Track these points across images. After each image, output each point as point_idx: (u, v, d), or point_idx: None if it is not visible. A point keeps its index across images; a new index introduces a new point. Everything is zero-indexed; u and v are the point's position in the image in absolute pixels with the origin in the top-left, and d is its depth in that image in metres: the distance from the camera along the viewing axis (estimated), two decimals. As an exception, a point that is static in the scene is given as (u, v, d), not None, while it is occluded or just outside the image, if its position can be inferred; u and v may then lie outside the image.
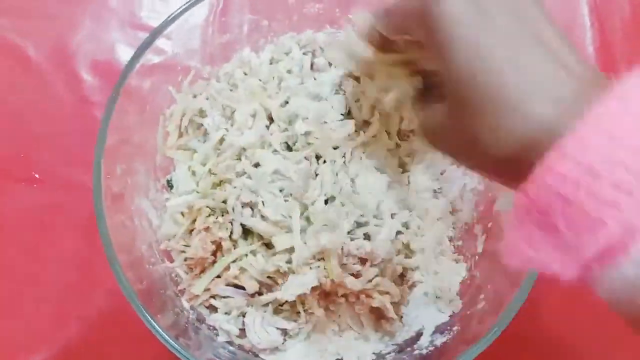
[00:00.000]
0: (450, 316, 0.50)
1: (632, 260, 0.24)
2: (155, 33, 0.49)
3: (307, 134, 0.49)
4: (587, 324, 0.54)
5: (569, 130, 0.25)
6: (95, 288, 0.55)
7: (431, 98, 0.36)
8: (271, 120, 0.51)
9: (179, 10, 0.50)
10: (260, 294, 0.49)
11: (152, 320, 0.40)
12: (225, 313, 0.49)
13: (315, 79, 0.52)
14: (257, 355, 0.49)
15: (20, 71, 0.63)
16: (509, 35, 0.29)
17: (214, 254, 0.48)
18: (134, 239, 0.46)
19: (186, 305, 0.49)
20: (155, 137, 0.52)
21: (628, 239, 0.24)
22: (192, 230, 0.50)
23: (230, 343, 0.49)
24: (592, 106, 0.25)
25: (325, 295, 0.49)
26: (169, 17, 0.50)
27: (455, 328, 0.48)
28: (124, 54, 0.64)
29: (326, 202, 0.48)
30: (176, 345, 0.40)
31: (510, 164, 0.28)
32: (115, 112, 0.45)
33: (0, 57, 0.64)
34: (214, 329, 0.49)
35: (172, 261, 0.50)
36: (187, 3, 0.50)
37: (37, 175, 0.59)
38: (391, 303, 0.49)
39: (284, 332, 0.50)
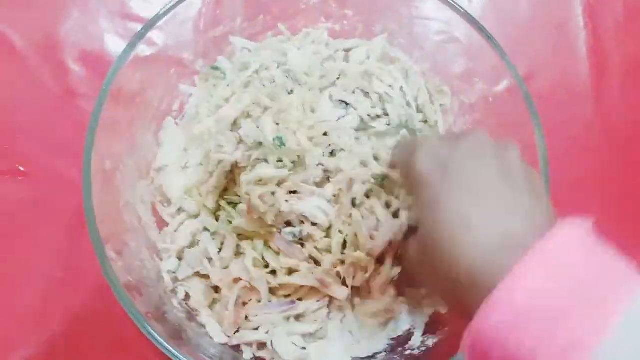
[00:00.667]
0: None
1: None
2: (149, 25, 0.49)
3: None
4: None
5: (502, 278, 0.29)
6: (80, 284, 0.53)
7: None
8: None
9: (172, 2, 0.50)
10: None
11: (139, 316, 0.39)
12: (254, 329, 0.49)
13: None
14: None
15: (6, 61, 0.62)
16: (465, 189, 0.35)
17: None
18: (123, 234, 0.46)
19: (175, 302, 0.48)
20: (145, 131, 0.50)
21: None
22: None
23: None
24: (523, 257, 0.29)
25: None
26: (162, 9, 0.50)
27: (446, 329, 0.48)
28: (113, 44, 0.63)
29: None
30: (164, 343, 0.40)
31: (459, 299, 0.33)
32: (105, 105, 0.44)
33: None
34: (204, 327, 0.48)
35: (160, 258, 0.49)
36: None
37: (21, 168, 0.58)
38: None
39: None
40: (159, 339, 0.40)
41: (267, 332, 0.48)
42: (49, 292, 0.54)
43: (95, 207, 0.41)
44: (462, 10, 0.48)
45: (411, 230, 0.43)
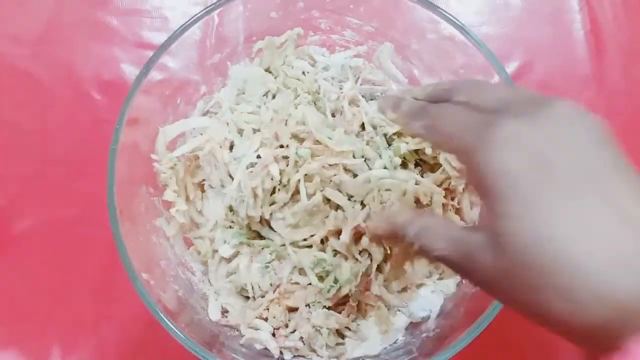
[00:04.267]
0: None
1: None
2: (158, 52, 0.51)
3: None
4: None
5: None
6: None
7: None
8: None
9: (180, 29, 0.52)
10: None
11: (175, 329, 0.42)
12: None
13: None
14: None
15: (35, 96, 0.67)
16: (572, 198, 0.26)
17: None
18: (153, 256, 0.49)
19: (206, 308, 0.51)
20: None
21: None
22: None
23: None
24: None
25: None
26: (170, 35, 0.52)
27: (461, 309, 0.50)
28: (130, 72, 0.67)
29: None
30: (198, 349, 0.42)
31: (588, 334, 0.26)
32: (123, 133, 0.47)
33: (13, 84, 0.67)
34: (237, 330, 0.51)
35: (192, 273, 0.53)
36: (187, 21, 0.52)
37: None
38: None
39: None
40: (195, 347, 0.42)
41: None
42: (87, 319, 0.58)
43: (124, 237, 0.44)
44: (447, 15, 0.50)
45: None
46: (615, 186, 0.26)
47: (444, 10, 0.50)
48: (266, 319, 0.50)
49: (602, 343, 0.25)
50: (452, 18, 0.50)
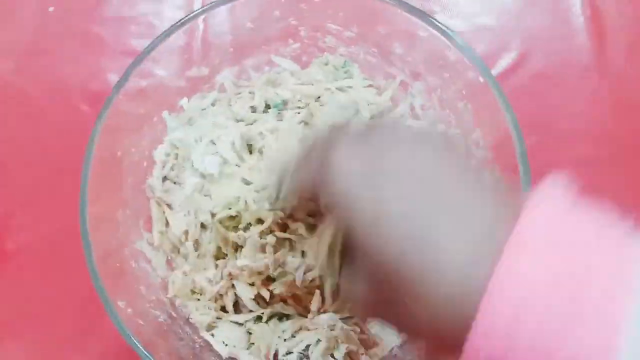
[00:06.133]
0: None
1: None
2: (141, 57, 0.51)
3: None
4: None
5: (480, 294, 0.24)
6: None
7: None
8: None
9: (164, 34, 0.51)
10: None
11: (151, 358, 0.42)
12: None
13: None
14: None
15: (23, 108, 0.66)
16: (411, 198, 0.27)
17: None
18: (132, 282, 0.49)
19: (190, 333, 0.50)
20: (143, 166, 0.54)
21: None
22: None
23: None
24: (497, 264, 0.24)
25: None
26: (153, 40, 0.51)
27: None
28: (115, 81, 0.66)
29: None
30: None
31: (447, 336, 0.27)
32: (98, 145, 0.47)
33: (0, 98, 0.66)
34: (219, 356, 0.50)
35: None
36: (172, 26, 0.51)
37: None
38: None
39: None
40: None
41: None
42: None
43: (96, 264, 0.44)
44: (430, 19, 0.48)
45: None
46: (444, 178, 0.28)
47: (424, 12, 0.48)
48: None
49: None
50: (433, 20, 0.48)
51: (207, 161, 0.52)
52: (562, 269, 0.23)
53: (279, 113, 0.56)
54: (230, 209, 0.50)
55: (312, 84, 0.57)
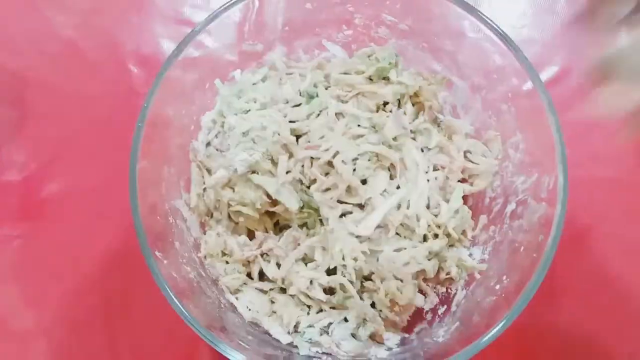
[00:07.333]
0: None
1: None
2: (198, 29, 0.52)
3: None
4: (603, 314, 0.56)
5: None
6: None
7: None
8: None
9: (221, 8, 0.53)
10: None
11: (183, 310, 0.43)
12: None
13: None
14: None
15: (79, 64, 0.69)
16: None
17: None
18: (168, 236, 0.50)
19: (217, 294, 0.52)
20: (190, 129, 0.55)
21: None
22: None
23: (255, 325, 0.52)
24: None
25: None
26: (210, 14, 0.52)
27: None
28: (168, 47, 0.68)
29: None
30: (205, 333, 0.43)
31: None
32: (151, 110, 0.48)
33: (58, 49, 0.69)
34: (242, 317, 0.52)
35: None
36: (229, 2, 0.53)
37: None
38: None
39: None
40: (202, 331, 0.43)
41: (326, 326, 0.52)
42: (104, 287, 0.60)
43: (141, 212, 0.45)
44: (485, 18, 0.50)
45: None
46: None
47: (482, 13, 0.49)
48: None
49: None
50: (489, 21, 0.49)
51: (239, 159, 0.52)
52: None
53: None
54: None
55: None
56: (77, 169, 0.64)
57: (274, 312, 0.52)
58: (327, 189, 0.52)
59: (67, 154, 0.65)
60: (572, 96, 0.66)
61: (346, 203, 0.52)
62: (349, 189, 0.51)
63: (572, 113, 0.64)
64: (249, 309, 0.51)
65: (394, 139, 0.52)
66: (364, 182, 0.52)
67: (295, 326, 0.51)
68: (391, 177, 0.53)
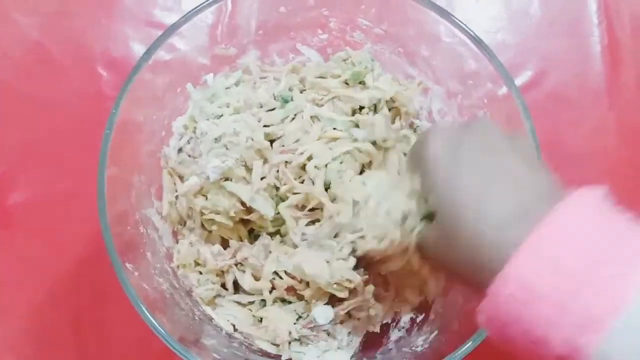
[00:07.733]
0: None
1: None
2: (169, 31, 0.51)
3: None
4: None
5: (512, 254, 0.30)
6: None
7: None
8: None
9: (193, 11, 0.52)
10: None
11: (155, 323, 0.42)
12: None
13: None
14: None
15: (46, 67, 0.66)
16: (475, 169, 0.35)
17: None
18: (139, 247, 0.49)
19: (191, 305, 0.51)
20: (161, 135, 0.54)
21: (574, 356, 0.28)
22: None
23: (230, 337, 0.51)
24: (534, 229, 0.30)
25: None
26: (182, 17, 0.51)
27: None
28: (138, 50, 0.67)
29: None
30: (177, 347, 0.42)
31: (478, 278, 0.32)
32: (120, 116, 0.47)
33: (24, 52, 0.67)
34: (220, 329, 0.51)
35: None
36: (201, 4, 0.52)
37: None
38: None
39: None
40: (175, 345, 0.42)
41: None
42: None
43: (110, 223, 0.44)
44: (460, 24, 0.49)
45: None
46: (509, 162, 0.36)
47: (456, 18, 0.49)
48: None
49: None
50: (463, 26, 0.49)
51: (211, 166, 0.50)
52: (586, 246, 0.29)
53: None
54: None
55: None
56: (44, 176, 0.62)
57: (259, 321, 0.51)
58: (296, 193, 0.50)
59: (34, 160, 0.63)
60: (546, 100, 0.66)
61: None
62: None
63: (546, 116, 0.64)
64: (229, 322, 0.51)
65: (384, 140, 0.51)
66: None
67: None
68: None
